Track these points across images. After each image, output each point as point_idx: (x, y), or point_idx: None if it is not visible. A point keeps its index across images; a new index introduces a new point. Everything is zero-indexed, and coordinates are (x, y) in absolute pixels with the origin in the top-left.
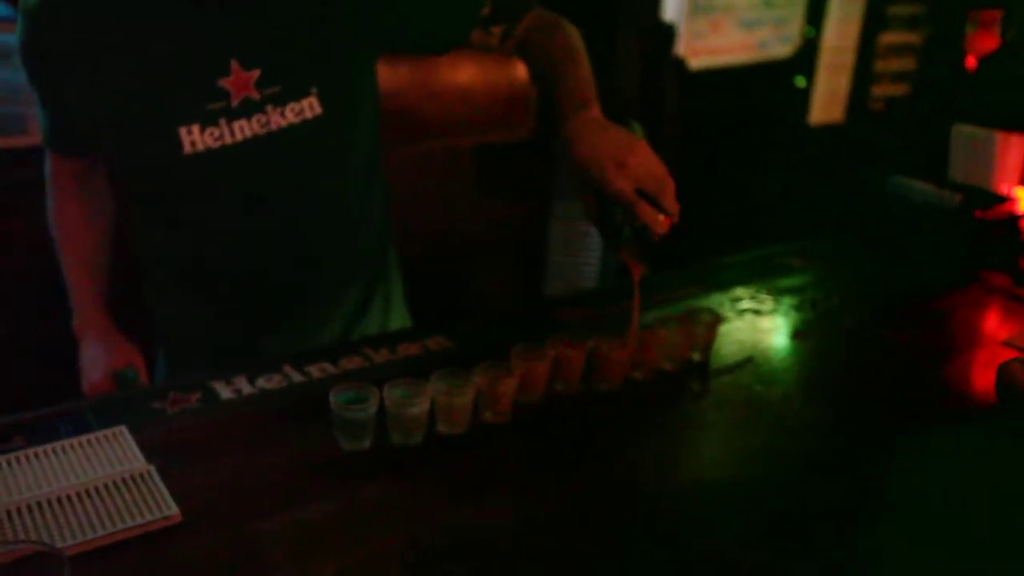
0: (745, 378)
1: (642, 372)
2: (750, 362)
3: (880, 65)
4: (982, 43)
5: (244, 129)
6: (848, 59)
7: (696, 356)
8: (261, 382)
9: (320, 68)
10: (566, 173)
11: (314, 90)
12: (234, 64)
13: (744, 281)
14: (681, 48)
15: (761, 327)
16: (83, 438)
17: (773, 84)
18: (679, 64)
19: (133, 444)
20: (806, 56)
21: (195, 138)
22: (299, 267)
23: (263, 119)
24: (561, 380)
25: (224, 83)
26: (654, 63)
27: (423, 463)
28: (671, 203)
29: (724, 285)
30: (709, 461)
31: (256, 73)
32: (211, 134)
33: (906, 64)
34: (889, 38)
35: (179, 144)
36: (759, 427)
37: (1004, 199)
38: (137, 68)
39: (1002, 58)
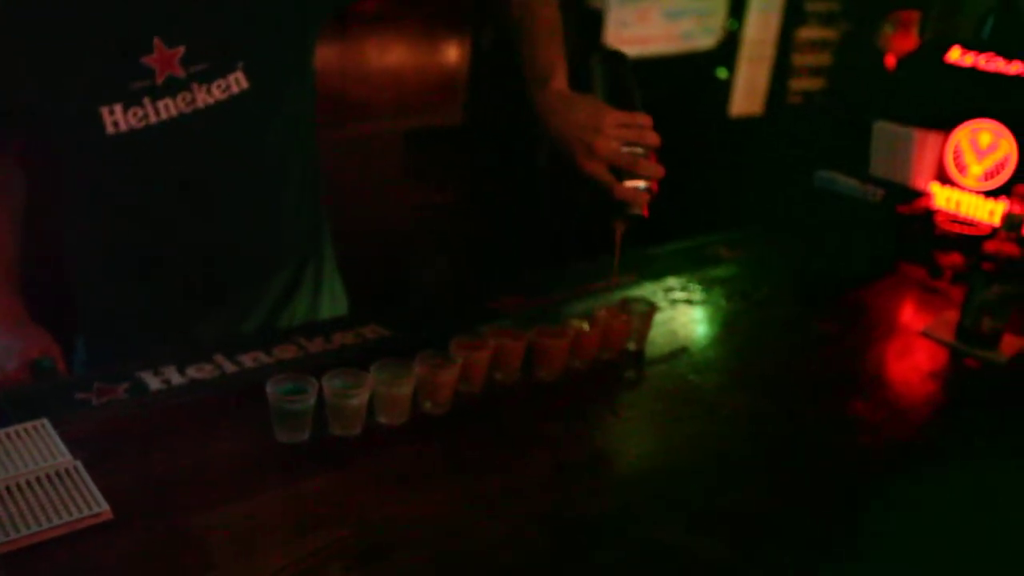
0: (680, 367)
1: (580, 361)
2: (684, 352)
3: (798, 59)
4: (901, 43)
5: (169, 108)
6: (768, 52)
7: (632, 346)
8: (192, 372)
9: (246, 42)
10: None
11: (240, 64)
12: (157, 41)
13: (676, 271)
14: (608, 37)
15: (694, 317)
16: (1, 432)
17: (696, 75)
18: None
19: (56, 438)
20: (728, 48)
21: (117, 118)
22: (227, 249)
23: (188, 97)
24: (501, 370)
25: (147, 61)
26: (581, 50)
27: (363, 454)
28: (648, 169)
29: (656, 275)
30: (649, 450)
31: (180, 50)
32: (134, 114)
33: (823, 59)
34: (807, 33)
35: (101, 124)
36: (695, 416)
37: (921, 195)
38: (57, 46)
39: (920, 57)
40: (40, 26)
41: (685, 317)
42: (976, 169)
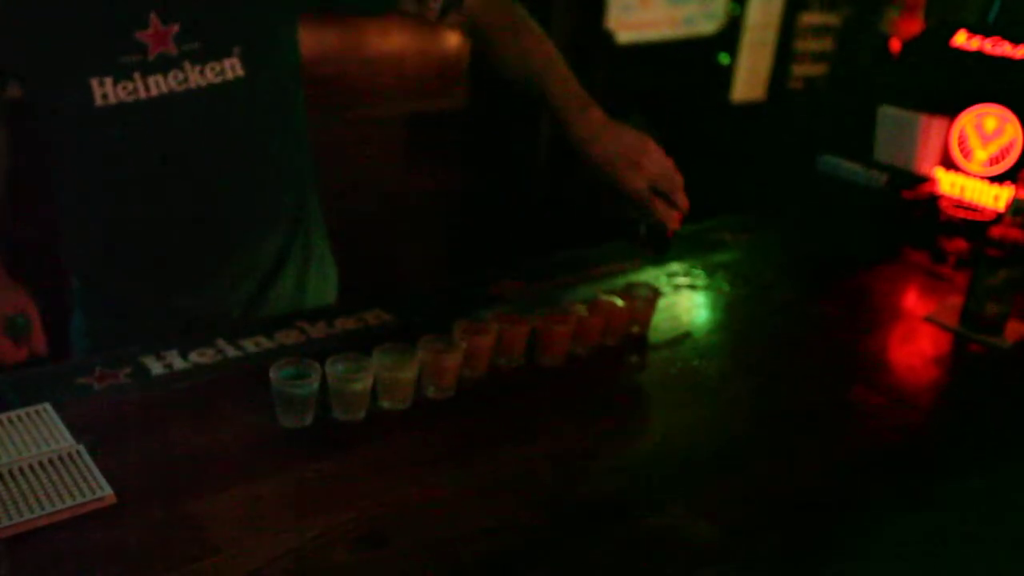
0: (684, 353)
1: (584, 346)
2: (688, 337)
3: (800, 44)
4: (906, 27)
5: (160, 85)
6: (770, 37)
7: (635, 330)
8: (194, 356)
9: (244, 29)
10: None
11: (236, 50)
12: (153, 17)
13: (679, 256)
14: (609, 22)
15: (697, 302)
16: (3, 416)
17: (698, 60)
18: (607, 38)
19: (59, 422)
20: (730, 33)
21: (107, 90)
22: (215, 225)
23: (180, 76)
24: (504, 355)
25: (141, 36)
26: (583, 35)
27: (366, 439)
28: (682, 199)
29: (659, 260)
30: (652, 436)
31: (175, 28)
32: (124, 88)
33: (824, 44)
34: (809, 18)
35: (91, 96)
36: (699, 401)
37: (925, 179)
38: (51, 15)
39: (925, 41)
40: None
41: (688, 302)
42: (981, 154)
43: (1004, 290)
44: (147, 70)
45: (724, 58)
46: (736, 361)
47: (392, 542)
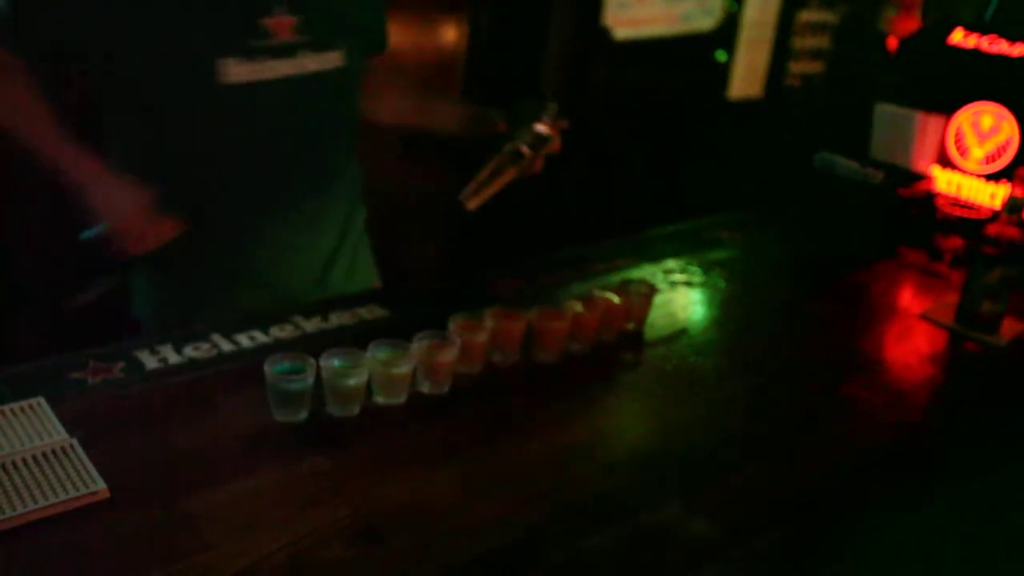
0: (680, 349)
1: (580, 343)
2: (684, 334)
3: (798, 42)
4: (903, 24)
5: (278, 68)
6: (768, 34)
7: (632, 327)
8: (188, 351)
9: (348, 28)
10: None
11: (342, 45)
12: (278, 7)
13: (675, 253)
14: (607, 18)
15: (693, 299)
16: None
17: (695, 57)
18: (604, 34)
19: (52, 416)
20: (728, 30)
21: (233, 70)
22: (293, 202)
23: (296, 63)
24: (500, 351)
25: (267, 23)
26: (580, 31)
27: (361, 435)
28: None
29: (656, 257)
30: (647, 432)
31: (296, 19)
32: (249, 68)
33: (822, 42)
34: (807, 15)
35: (217, 74)
36: (694, 398)
37: (922, 177)
38: (186, 8)
39: (922, 39)
40: None
41: (684, 299)
42: (977, 152)
43: (1000, 288)
44: (271, 54)
45: (721, 55)
46: (732, 358)
47: (387, 538)
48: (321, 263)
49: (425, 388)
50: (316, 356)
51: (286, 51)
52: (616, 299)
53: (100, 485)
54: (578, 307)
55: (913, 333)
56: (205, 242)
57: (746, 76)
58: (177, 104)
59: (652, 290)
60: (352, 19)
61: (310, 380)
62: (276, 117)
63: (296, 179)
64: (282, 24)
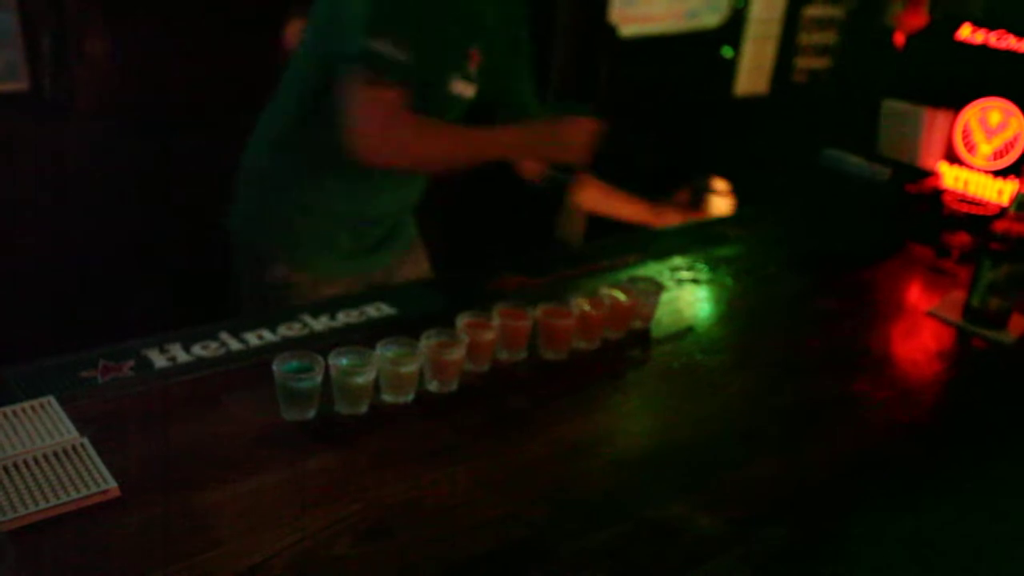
0: (686, 347)
1: (586, 341)
2: (690, 331)
3: (804, 38)
4: (910, 20)
5: (465, 90)
6: (774, 31)
7: (638, 324)
8: (197, 349)
9: (488, 72)
10: None
11: (477, 80)
12: (476, 46)
13: (682, 250)
14: (613, 15)
15: (700, 296)
16: (8, 409)
17: (701, 54)
18: (610, 31)
19: (63, 415)
20: (734, 27)
21: (455, 85)
22: (407, 197)
23: (468, 87)
24: (507, 349)
25: (470, 54)
26: (586, 28)
27: (369, 433)
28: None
29: (662, 254)
30: (654, 429)
31: (480, 59)
32: (462, 85)
33: (828, 38)
34: (813, 11)
35: (447, 88)
36: (701, 395)
37: (929, 174)
38: (440, 39)
39: (930, 35)
40: (436, 24)
41: (691, 296)
42: (985, 148)
43: (1007, 285)
44: (468, 77)
45: (728, 51)
46: (739, 355)
47: (395, 535)
48: (394, 257)
49: (433, 386)
50: (324, 355)
51: (470, 76)
52: (623, 297)
53: (110, 483)
54: (585, 305)
55: (920, 330)
56: (336, 183)
57: (752, 72)
58: (422, 103)
59: (659, 287)
60: (504, 67)
61: (318, 379)
62: (453, 118)
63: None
64: (474, 58)
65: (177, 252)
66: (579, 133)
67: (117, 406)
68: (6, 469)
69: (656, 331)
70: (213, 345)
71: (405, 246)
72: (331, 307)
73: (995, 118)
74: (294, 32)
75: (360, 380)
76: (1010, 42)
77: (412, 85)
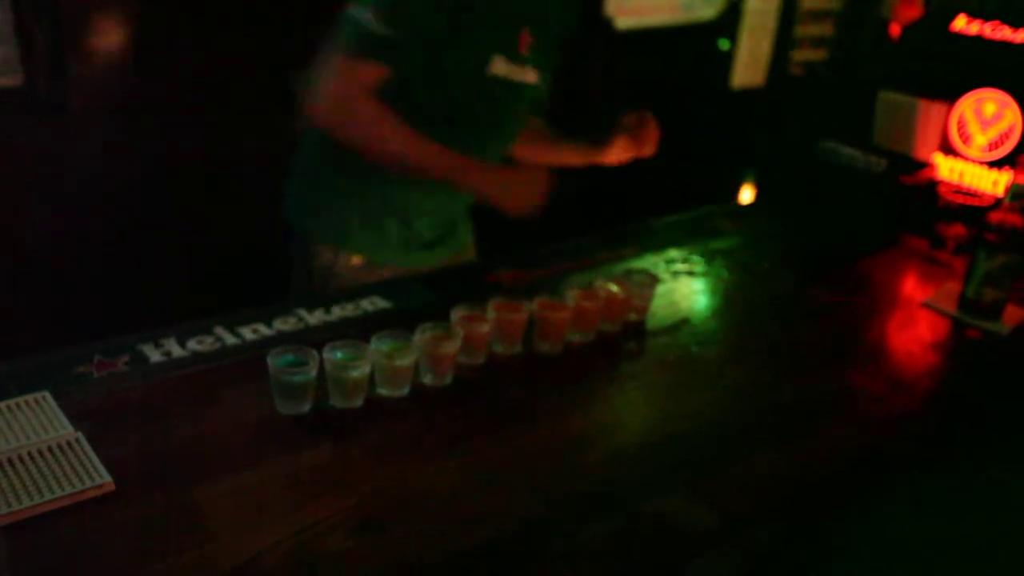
0: (682, 339)
1: (582, 333)
2: (686, 323)
3: (800, 30)
4: (906, 11)
5: (516, 72)
6: (770, 23)
7: (633, 316)
8: (192, 344)
9: (550, 58)
10: None
11: (544, 68)
12: (526, 28)
13: (677, 243)
14: (609, 7)
15: (695, 288)
16: (2, 404)
17: (697, 46)
18: (606, 23)
19: (58, 410)
20: (730, 19)
21: (500, 66)
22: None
23: (521, 72)
24: (502, 342)
25: (520, 36)
26: (582, 21)
27: (364, 426)
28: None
29: (658, 247)
30: (649, 422)
31: (532, 40)
32: (508, 66)
33: (824, 30)
34: (809, 3)
35: (488, 67)
36: (696, 387)
37: (925, 165)
38: (488, 17)
39: (925, 26)
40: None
41: (686, 289)
42: (980, 139)
43: (1002, 276)
44: (517, 60)
45: (724, 44)
46: (734, 348)
47: (390, 529)
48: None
49: (428, 379)
50: (319, 348)
51: (520, 60)
52: (618, 289)
53: (105, 478)
54: (580, 297)
55: (915, 321)
56: (384, 175)
57: (748, 65)
58: (453, 85)
59: (654, 280)
60: (553, 57)
61: (313, 372)
62: (503, 107)
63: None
64: (524, 41)
65: (173, 248)
66: (530, 188)
67: (112, 401)
68: (0, 464)
69: (651, 324)
70: (208, 340)
71: (460, 248)
72: (326, 301)
73: (990, 109)
74: None
75: (355, 374)
76: (1005, 33)
77: (397, 61)
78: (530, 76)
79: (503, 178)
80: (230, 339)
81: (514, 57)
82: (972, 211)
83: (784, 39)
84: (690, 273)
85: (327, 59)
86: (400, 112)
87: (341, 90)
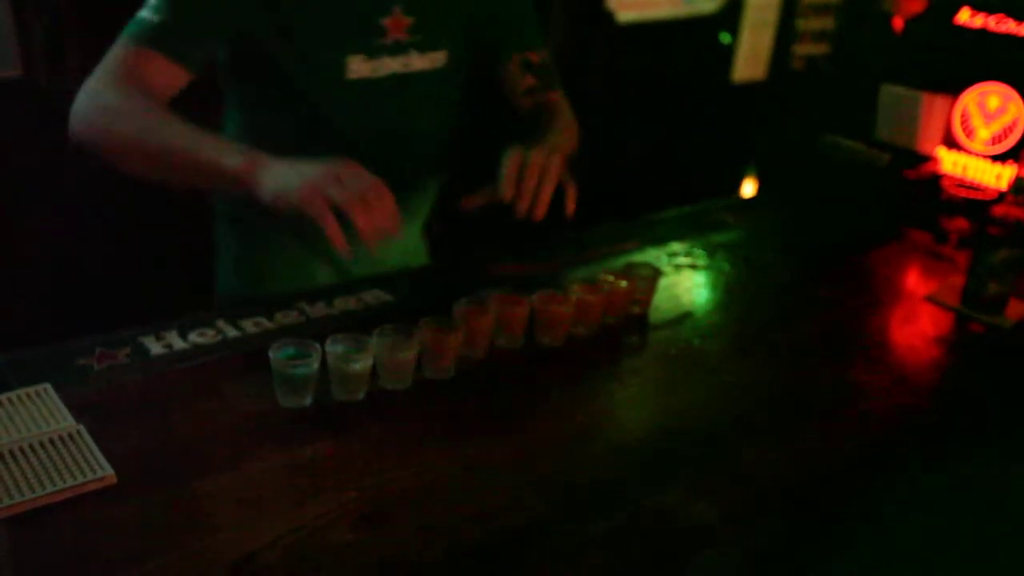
0: (684, 333)
1: (584, 327)
2: (688, 317)
3: (802, 24)
4: (909, 4)
5: (390, 65)
6: (771, 17)
7: (636, 310)
8: (193, 336)
9: (451, 31)
10: None
11: (445, 45)
12: (396, 8)
13: (679, 236)
14: (610, 1)
15: (697, 282)
16: (3, 396)
17: (699, 40)
18: (607, 17)
19: (59, 402)
20: (731, 13)
21: (358, 67)
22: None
23: (406, 60)
24: (504, 336)
25: (384, 21)
26: (583, 14)
27: (366, 419)
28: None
29: (660, 240)
30: (651, 416)
31: (410, 20)
32: (370, 65)
33: (826, 23)
34: None
35: (344, 71)
36: (698, 382)
37: (927, 159)
38: (319, 7)
39: (928, 19)
40: None
41: (689, 282)
42: (984, 133)
43: (1005, 270)
44: (386, 52)
45: (725, 37)
46: (737, 342)
47: (392, 523)
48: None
49: (429, 373)
50: (321, 341)
51: (396, 50)
52: (620, 283)
53: (107, 471)
54: (582, 291)
55: (918, 315)
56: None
57: (750, 58)
58: (307, 97)
59: (656, 273)
60: (460, 21)
61: (315, 366)
62: (385, 111)
63: (391, 173)
64: (397, 24)
65: (173, 239)
66: (317, 177)
67: (113, 393)
68: (1, 456)
69: (654, 317)
70: (210, 332)
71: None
72: (328, 294)
73: (994, 102)
74: None
75: (357, 367)
76: (1009, 26)
77: (189, 54)
78: (420, 62)
79: (285, 167)
80: (231, 332)
81: (380, 50)
82: (975, 205)
83: (786, 33)
84: (692, 267)
85: (106, 55)
86: (263, 140)
87: (98, 84)
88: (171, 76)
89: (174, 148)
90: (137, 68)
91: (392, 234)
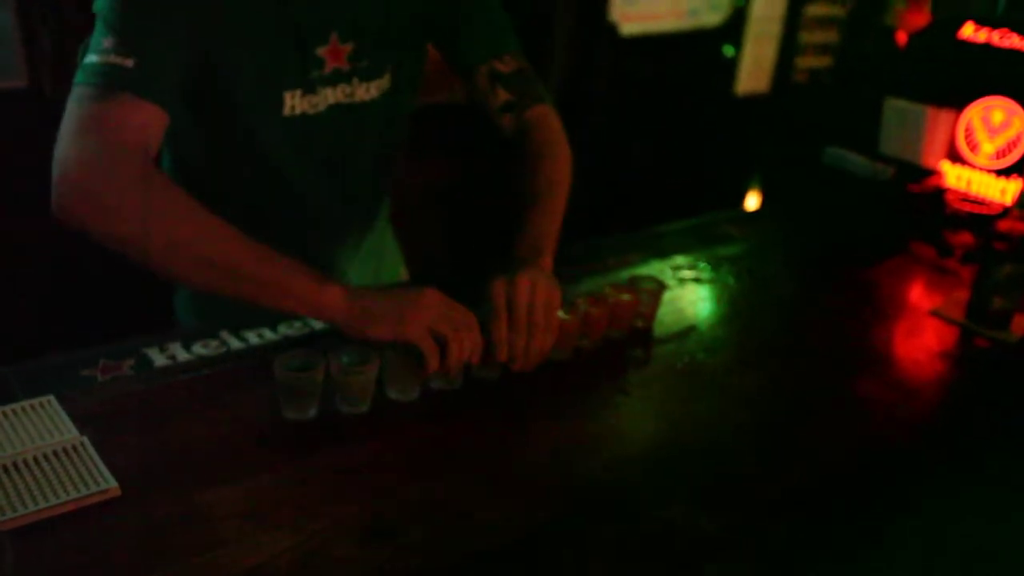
0: (689, 346)
1: (589, 340)
2: (693, 330)
3: (805, 37)
4: (913, 19)
5: (329, 97)
6: (775, 29)
7: (640, 323)
8: (197, 348)
9: (395, 51)
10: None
11: (389, 67)
12: (333, 36)
13: (684, 249)
14: (613, 13)
15: (702, 295)
16: (7, 408)
17: (702, 52)
18: (611, 29)
19: (63, 414)
20: (735, 25)
21: (295, 102)
22: (330, 218)
23: (348, 90)
24: None
25: (321, 52)
26: (587, 27)
27: (371, 432)
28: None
29: (664, 253)
30: (656, 429)
31: (349, 47)
32: (308, 100)
33: (830, 37)
34: (814, 10)
35: (281, 107)
36: (703, 395)
37: (932, 173)
38: (250, 34)
39: (932, 33)
40: (237, 13)
41: (693, 295)
42: (988, 147)
43: (1011, 284)
44: (324, 83)
45: (729, 50)
46: (741, 355)
47: (397, 535)
48: (344, 266)
49: (436, 384)
50: (326, 353)
51: (335, 79)
52: (625, 296)
53: (111, 483)
54: (587, 304)
55: (923, 329)
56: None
57: (753, 71)
58: (244, 133)
59: (661, 286)
60: (408, 40)
61: (319, 377)
62: (327, 143)
63: (334, 197)
64: (335, 52)
65: None
66: (419, 312)
67: (117, 405)
68: (5, 468)
69: (658, 330)
70: (213, 343)
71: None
72: None
73: (998, 117)
74: None
75: (361, 378)
76: (1013, 41)
77: (162, 96)
78: (364, 91)
79: (384, 302)
80: (235, 343)
81: (318, 82)
82: (980, 219)
83: (789, 46)
84: (697, 280)
85: (69, 115)
86: (198, 175)
87: (97, 145)
88: (159, 123)
89: (244, 268)
90: (125, 121)
91: (473, 363)
